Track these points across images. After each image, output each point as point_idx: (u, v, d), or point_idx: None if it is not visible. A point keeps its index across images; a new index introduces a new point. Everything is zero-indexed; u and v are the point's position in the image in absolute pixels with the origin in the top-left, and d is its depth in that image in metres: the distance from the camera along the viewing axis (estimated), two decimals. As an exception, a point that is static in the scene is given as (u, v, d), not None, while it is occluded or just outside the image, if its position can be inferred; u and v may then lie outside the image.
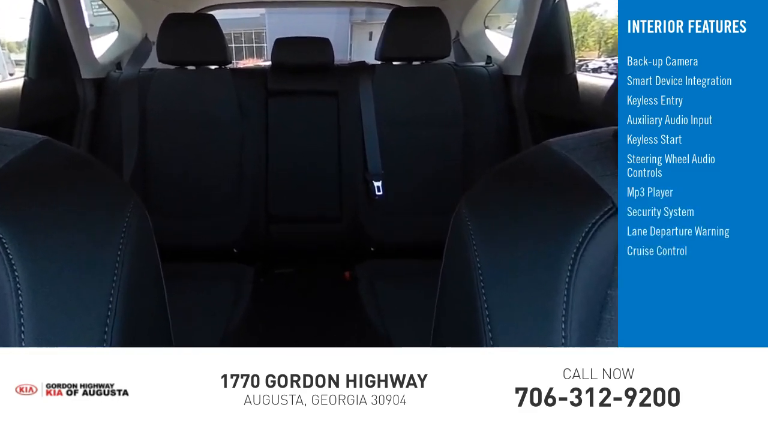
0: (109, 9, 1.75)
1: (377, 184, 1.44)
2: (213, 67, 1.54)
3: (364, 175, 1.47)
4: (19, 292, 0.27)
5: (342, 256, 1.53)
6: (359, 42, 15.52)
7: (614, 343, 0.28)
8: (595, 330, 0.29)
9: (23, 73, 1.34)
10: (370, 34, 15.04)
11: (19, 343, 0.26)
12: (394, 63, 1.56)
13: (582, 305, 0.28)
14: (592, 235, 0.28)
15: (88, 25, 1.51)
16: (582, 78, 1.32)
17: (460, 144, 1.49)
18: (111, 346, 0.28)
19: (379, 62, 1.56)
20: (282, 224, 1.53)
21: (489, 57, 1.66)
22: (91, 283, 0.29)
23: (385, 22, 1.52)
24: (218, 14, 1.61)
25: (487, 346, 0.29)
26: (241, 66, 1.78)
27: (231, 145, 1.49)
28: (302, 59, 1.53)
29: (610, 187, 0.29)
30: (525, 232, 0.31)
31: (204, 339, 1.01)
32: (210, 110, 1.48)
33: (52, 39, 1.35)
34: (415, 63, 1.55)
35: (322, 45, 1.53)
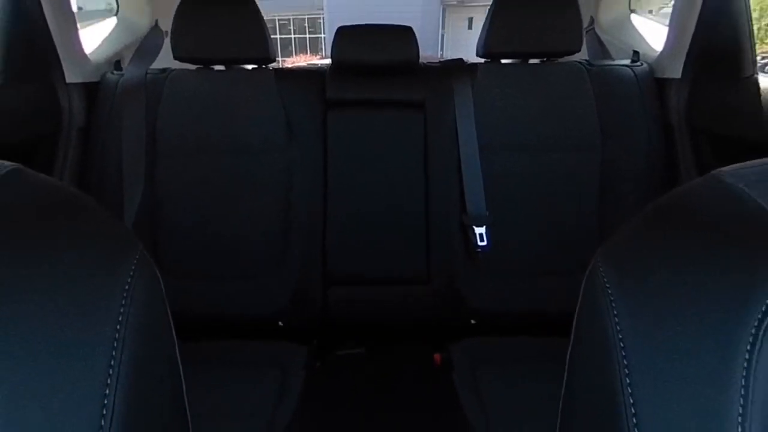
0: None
1: (480, 231, 1.12)
2: (250, 67, 1.22)
3: (462, 219, 1.14)
4: None
5: (430, 331, 1.22)
6: (455, 31, 14.80)
7: None
8: None
9: None
10: (470, 20, 14.29)
11: None
12: (503, 62, 1.23)
13: (767, 403, 0.24)
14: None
15: (75, 9, 1.16)
16: (766, 83, 1.03)
17: (596, 175, 1.17)
18: None
19: (482, 60, 1.22)
20: (345, 288, 1.20)
21: (636, 52, 1.31)
22: (78, 376, 0.24)
23: (489, 5, 1.18)
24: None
25: (626, 419, 0.25)
26: (290, 66, 1.46)
27: (274, 178, 1.16)
28: (375, 57, 1.18)
29: None
30: (687, 298, 0.26)
31: None
32: (245, 129, 1.15)
33: (25, 29, 1.02)
34: (532, 61, 1.22)
35: (403, 36, 1.19)
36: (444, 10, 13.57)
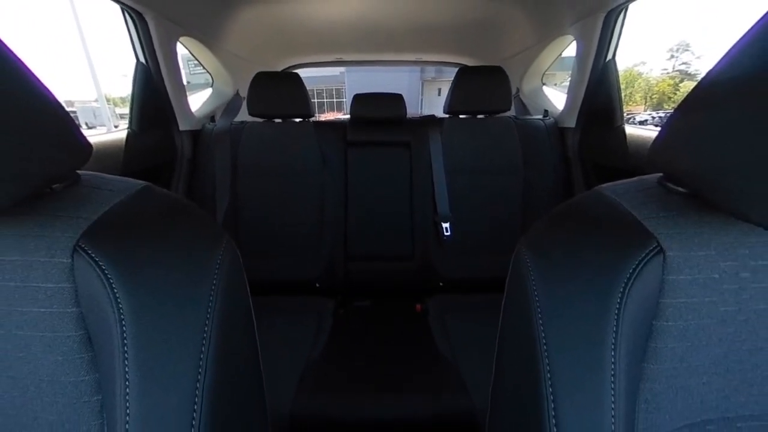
0: (204, 68, 1.40)
1: (446, 225, 1.11)
2: (297, 120, 1.19)
3: (434, 217, 1.13)
4: (123, 323, 0.23)
5: (413, 290, 1.18)
6: (429, 97, 14.72)
7: (659, 371, 0.25)
8: (641, 357, 0.25)
9: (126, 126, 1.01)
10: (439, 90, 14.28)
11: (123, 369, 0.22)
12: (461, 116, 1.20)
13: (629, 335, 0.24)
14: (639, 271, 0.24)
15: (185, 83, 1.15)
16: (630, 130, 1.00)
17: (520, 190, 1.15)
18: (204, 371, 0.24)
19: (447, 115, 1.20)
20: (359, 262, 1.17)
21: (546, 111, 1.29)
22: (188, 317, 0.24)
23: (452, 79, 1.16)
24: (302, 72, 1.26)
25: (543, 377, 0.24)
26: (323, 119, 1.44)
27: (314, 191, 1.14)
28: (378, 113, 1.17)
29: (655, 228, 0.26)
30: (578, 269, 0.26)
31: (288, 366, 0.81)
32: (295, 160, 1.13)
33: (153, 95, 1.02)
34: (479, 116, 1.19)
35: (396, 100, 1.17)
36: (422, 84, 13.55)
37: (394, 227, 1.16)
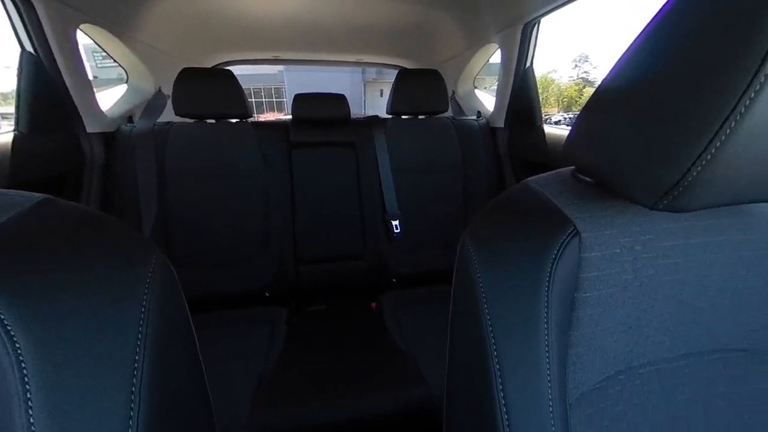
0: (115, 62, 1.22)
1: (395, 223, 1.13)
2: (234, 120, 1.11)
3: (384, 216, 1.15)
4: (23, 365, 0.18)
5: (368, 289, 1.18)
6: (372, 98, 14.34)
7: (581, 336, 0.28)
8: (568, 326, 0.28)
9: (11, 127, 0.83)
10: (381, 91, 14.05)
11: (27, 421, 0.17)
12: (403, 117, 1.23)
13: (557, 308, 0.26)
14: (562, 252, 0.27)
15: (90, 77, 0.98)
16: (548, 129, 1.13)
17: (461, 186, 1.21)
18: (138, 404, 0.21)
19: (390, 116, 1.22)
20: (311, 265, 1.13)
21: (479, 112, 1.39)
22: (113, 346, 0.21)
23: (393, 81, 1.19)
24: (236, 70, 1.16)
25: (490, 350, 0.26)
26: (263, 119, 1.35)
27: (256, 194, 1.07)
28: (322, 113, 1.15)
29: (572, 213, 0.28)
30: (514, 254, 0.28)
31: (241, 381, 0.75)
32: (233, 162, 1.05)
33: (46, 90, 0.85)
34: (420, 117, 1.23)
35: (340, 101, 1.15)
36: (365, 84, 13.62)
37: (344, 227, 1.15)
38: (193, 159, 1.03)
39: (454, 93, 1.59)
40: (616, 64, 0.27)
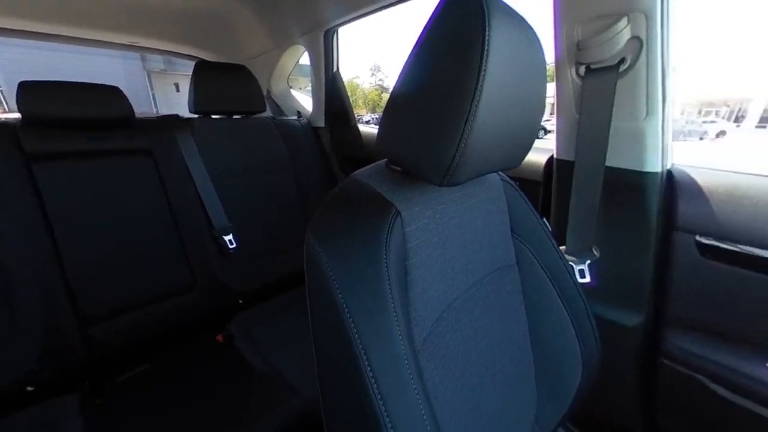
0: None
1: (228, 237, 0.99)
2: None
3: (212, 232, 0.98)
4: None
5: (207, 322, 0.99)
6: (164, 92, 10.73)
7: (416, 294, 0.34)
8: (405, 289, 0.33)
9: None
10: (176, 85, 10.73)
11: None
12: (214, 117, 1.07)
13: (396, 277, 0.31)
14: (391, 230, 0.31)
15: None
16: (362, 128, 1.29)
17: (295, 185, 1.19)
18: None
19: (196, 116, 1.03)
20: (107, 322, 0.82)
21: (299, 112, 1.38)
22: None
23: (189, 73, 1.01)
24: None
25: (352, 333, 0.28)
26: None
27: None
28: (85, 112, 0.82)
29: (392, 197, 0.34)
30: (354, 241, 0.31)
31: None
32: None
33: None
34: (236, 117, 1.11)
35: (112, 94, 0.86)
36: (149, 75, 10.78)
37: (157, 256, 0.90)
38: None
39: (269, 92, 1.53)
40: (399, 76, 0.33)
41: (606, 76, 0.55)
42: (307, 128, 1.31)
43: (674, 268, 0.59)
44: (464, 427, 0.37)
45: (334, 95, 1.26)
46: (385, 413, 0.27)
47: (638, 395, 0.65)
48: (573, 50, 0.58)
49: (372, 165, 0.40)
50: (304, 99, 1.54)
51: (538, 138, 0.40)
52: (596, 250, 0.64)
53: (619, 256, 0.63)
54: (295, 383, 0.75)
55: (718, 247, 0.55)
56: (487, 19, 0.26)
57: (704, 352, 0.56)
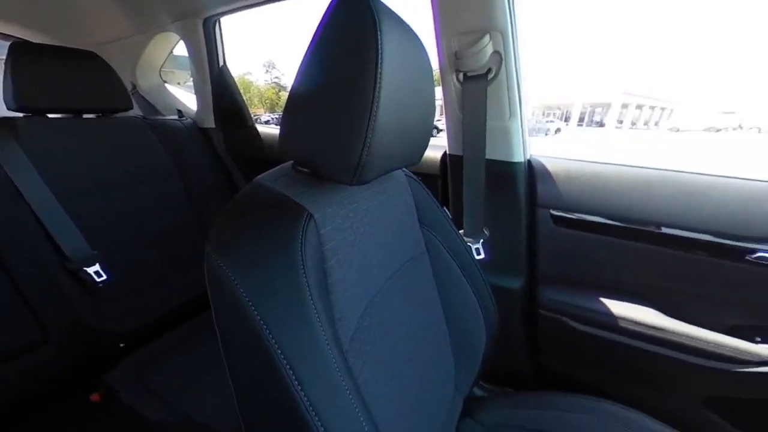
0: None
1: (93, 269, 0.78)
2: None
3: (66, 265, 0.75)
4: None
5: (74, 381, 0.78)
6: None
7: (338, 295, 0.33)
8: (326, 292, 0.32)
9: None
10: None
11: None
12: (51, 116, 0.83)
13: (315, 282, 0.30)
14: (305, 235, 0.30)
15: None
16: (261, 128, 1.21)
17: (183, 196, 1.02)
18: None
19: (21, 115, 0.78)
20: None
21: (180, 111, 1.18)
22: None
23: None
24: None
25: (272, 348, 0.26)
26: None
27: None
28: None
29: (302, 200, 0.33)
30: (265, 250, 0.29)
31: None
32: None
33: None
34: (87, 116, 0.89)
35: None
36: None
37: None
38: None
39: (135, 87, 1.27)
40: (297, 75, 0.32)
41: (479, 83, 0.65)
42: (192, 129, 1.14)
43: (539, 237, 0.75)
44: (396, 412, 0.38)
45: (223, 92, 1.13)
46: (319, 424, 0.26)
47: (526, 343, 0.80)
48: (452, 59, 0.66)
49: (277, 168, 0.38)
50: (185, 96, 1.33)
51: (432, 136, 0.44)
52: (486, 230, 0.76)
53: (502, 232, 0.75)
54: (208, 422, 0.66)
55: (564, 217, 0.71)
56: (378, 24, 0.28)
57: (564, 299, 0.73)
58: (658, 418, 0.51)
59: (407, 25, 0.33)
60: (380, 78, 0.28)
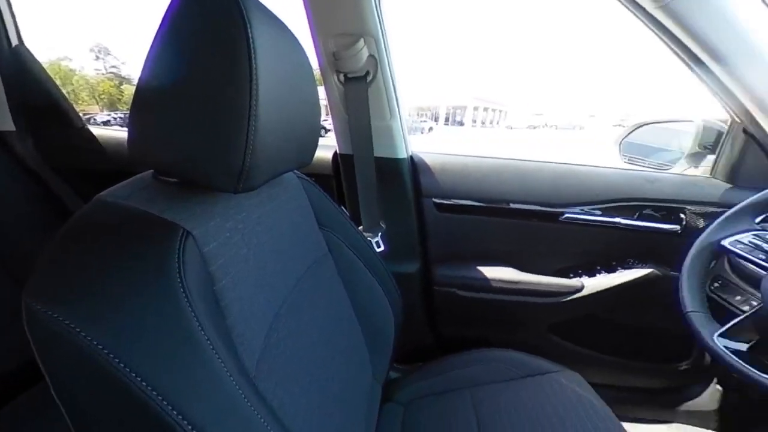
0: None
1: None
2: None
3: None
4: None
5: None
6: None
7: (236, 316, 0.29)
8: (221, 317, 0.28)
9: None
10: None
11: None
12: None
13: (204, 309, 0.25)
14: (182, 257, 0.25)
15: None
16: (98, 131, 0.97)
17: None
18: None
19: None
20: None
21: None
22: None
23: None
24: None
25: (153, 402, 0.21)
26: None
27: None
28: None
29: (173, 217, 0.27)
30: (127, 284, 0.23)
31: None
32: None
33: None
34: None
35: None
36: None
37: None
38: None
39: None
40: (146, 65, 0.27)
41: (359, 85, 0.68)
42: None
43: (426, 223, 0.84)
44: (318, 420, 0.37)
45: (24, 82, 0.85)
46: None
47: (426, 318, 0.89)
48: (332, 59, 0.67)
49: (129, 181, 0.31)
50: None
51: (321, 136, 0.44)
52: (383, 224, 0.80)
53: (397, 223, 0.81)
54: None
55: (444, 203, 0.82)
56: (246, 16, 0.25)
57: (452, 273, 0.84)
58: (522, 350, 0.65)
59: (279, 20, 0.31)
60: (256, 75, 0.25)
